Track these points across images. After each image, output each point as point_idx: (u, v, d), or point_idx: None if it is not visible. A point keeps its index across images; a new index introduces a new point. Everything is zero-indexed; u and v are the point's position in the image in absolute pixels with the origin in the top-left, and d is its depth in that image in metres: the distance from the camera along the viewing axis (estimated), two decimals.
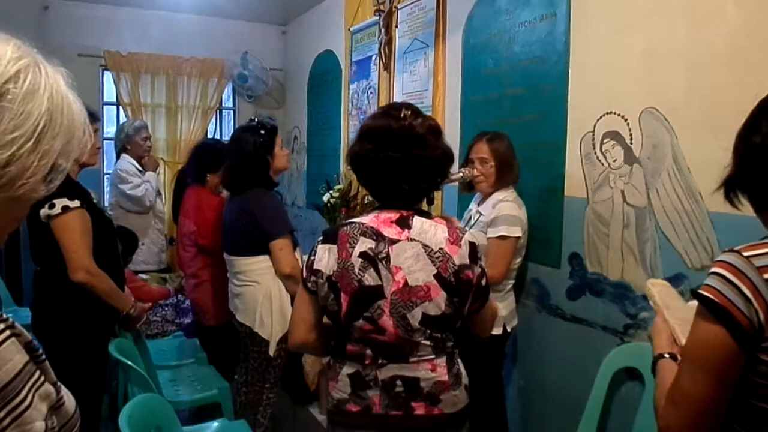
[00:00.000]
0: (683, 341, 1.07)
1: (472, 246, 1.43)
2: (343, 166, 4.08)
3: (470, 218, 2.41)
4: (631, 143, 2.06)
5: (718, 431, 0.98)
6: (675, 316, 1.18)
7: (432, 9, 3.17)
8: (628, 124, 2.06)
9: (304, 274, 1.48)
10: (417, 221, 1.42)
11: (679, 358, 1.08)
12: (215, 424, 2.34)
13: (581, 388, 2.12)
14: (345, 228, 1.44)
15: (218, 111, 5.44)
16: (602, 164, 2.17)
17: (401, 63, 3.49)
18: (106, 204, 4.16)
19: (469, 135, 2.53)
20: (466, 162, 2.40)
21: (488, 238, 2.24)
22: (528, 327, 2.50)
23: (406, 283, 1.38)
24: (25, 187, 0.65)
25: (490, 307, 1.57)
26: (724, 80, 1.73)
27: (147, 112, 4.91)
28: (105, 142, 4.91)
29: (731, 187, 1.01)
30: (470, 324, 1.52)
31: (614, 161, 2.13)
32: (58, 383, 0.70)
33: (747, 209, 1.03)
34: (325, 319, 1.51)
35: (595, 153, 2.20)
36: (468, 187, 2.45)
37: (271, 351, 2.47)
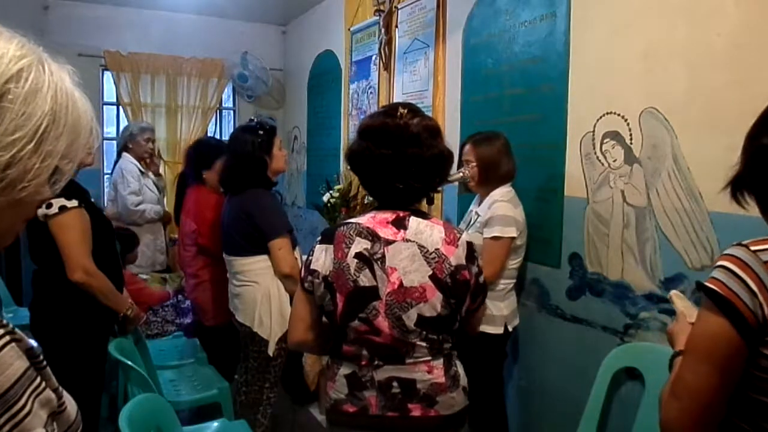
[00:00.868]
0: None
1: (470, 246, 1.43)
2: (343, 166, 4.08)
3: (470, 219, 2.41)
4: (631, 143, 2.06)
5: (718, 424, 0.98)
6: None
7: (432, 9, 3.17)
8: (628, 124, 2.06)
9: (302, 274, 1.49)
10: (413, 222, 1.42)
11: None
12: (215, 424, 2.34)
13: (581, 388, 2.12)
14: (342, 228, 1.44)
15: (218, 111, 5.44)
16: (602, 164, 2.17)
17: (401, 63, 3.49)
18: (106, 204, 4.16)
19: (468, 135, 2.53)
20: (461, 163, 2.41)
21: (483, 239, 2.25)
22: (528, 327, 2.50)
23: (401, 284, 1.38)
24: (27, 189, 0.63)
25: (485, 306, 1.58)
26: (724, 80, 1.73)
27: (147, 112, 4.91)
28: (105, 142, 4.92)
29: (738, 186, 1.01)
30: (468, 323, 1.52)
31: (614, 161, 2.13)
32: (60, 389, 0.69)
33: (749, 209, 1.03)
34: (324, 319, 1.52)
35: (595, 153, 2.20)
36: (467, 188, 2.46)
37: (271, 351, 2.47)
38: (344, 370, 1.46)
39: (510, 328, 2.32)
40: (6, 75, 0.60)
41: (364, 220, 1.45)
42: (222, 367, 2.88)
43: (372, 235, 1.41)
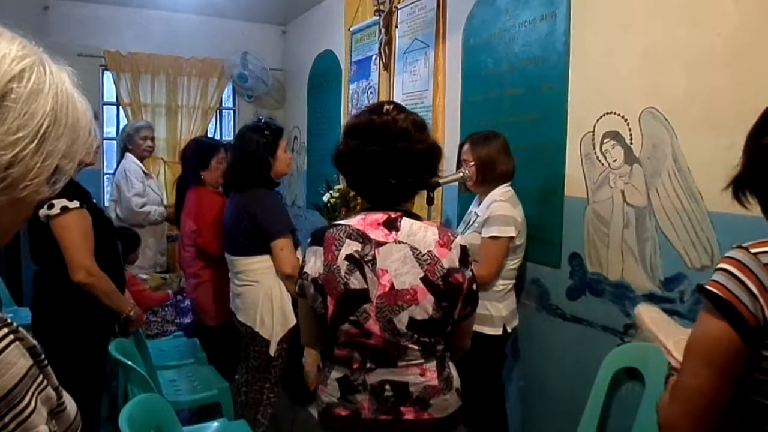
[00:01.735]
0: (679, 358, 1.07)
1: (464, 249, 1.41)
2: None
3: (470, 220, 2.41)
4: (631, 143, 2.06)
5: (718, 427, 0.98)
6: (668, 336, 1.18)
7: (432, 9, 3.17)
8: (628, 124, 2.06)
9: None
10: (406, 223, 1.41)
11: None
12: (215, 424, 2.34)
13: (581, 388, 2.11)
14: (331, 230, 1.43)
15: (218, 111, 5.44)
16: (602, 164, 2.17)
17: (401, 63, 3.49)
18: (106, 204, 4.15)
19: (468, 135, 2.53)
20: (460, 163, 2.42)
21: (481, 238, 2.25)
22: (528, 327, 2.50)
23: (392, 287, 1.36)
24: (29, 188, 0.63)
25: (474, 317, 1.55)
26: (724, 80, 1.73)
27: (147, 112, 4.91)
28: (105, 142, 4.92)
29: (740, 186, 1.02)
30: (454, 332, 1.48)
31: (614, 161, 2.13)
32: (60, 388, 0.69)
33: (750, 209, 1.04)
34: None
35: (595, 153, 2.20)
36: (467, 188, 2.46)
37: (272, 351, 2.47)
38: (336, 374, 1.44)
39: (509, 329, 2.32)
40: (9, 75, 0.61)
41: (354, 221, 1.43)
42: (222, 367, 2.88)
43: (362, 237, 1.39)
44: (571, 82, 2.29)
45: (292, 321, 2.46)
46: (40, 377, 0.65)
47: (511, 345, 2.53)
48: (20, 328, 0.65)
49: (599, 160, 2.18)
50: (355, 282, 1.37)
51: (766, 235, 1.00)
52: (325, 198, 3.70)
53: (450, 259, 1.38)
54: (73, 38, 4.56)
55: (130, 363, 1.99)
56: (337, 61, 4.38)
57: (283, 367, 2.57)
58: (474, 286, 1.45)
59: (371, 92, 3.84)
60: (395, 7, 3.49)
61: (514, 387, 2.63)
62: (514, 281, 2.36)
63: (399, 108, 1.46)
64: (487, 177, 2.32)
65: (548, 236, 2.40)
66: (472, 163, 2.33)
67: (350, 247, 1.39)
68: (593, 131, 2.20)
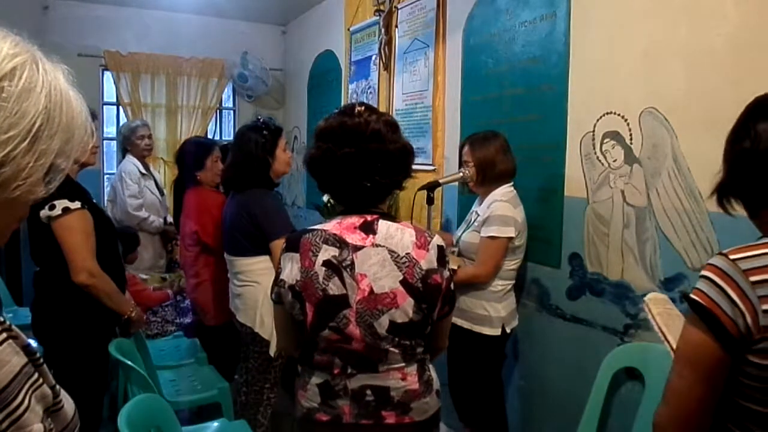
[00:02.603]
0: None
1: (440, 249, 1.40)
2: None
3: (471, 219, 2.41)
4: (631, 143, 2.06)
5: (706, 429, 1.00)
6: (676, 336, 1.18)
7: (432, 9, 3.17)
8: (628, 124, 2.06)
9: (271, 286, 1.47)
10: (383, 225, 1.39)
11: None
12: (215, 424, 2.34)
13: (581, 388, 2.11)
14: (307, 235, 1.40)
15: (218, 111, 5.45)
16: (602, 164, 2.17)
17: (401, 63, 3.49)
18: (104, 205, 4.15)
19: (468, 135, 2.53)
20: (461, 163, 2.42)
21: (480, 237, 2.25)
22: (528, 327, 2.50)
23: (371, 291, 1.35)
24: (21, 188, 0.62)
25: (452, 316, 1.54)
26: (724, 80, 1.73)
27: (147, 112, 4.91)
28: (105, 142, 4.93)
29: (723, 193, 1.03)
30: (433, 332, 1.48)
31: (614, 161, 2.13)
32: (57, 387, 0.69)
33: (733, 215, 1.04)
34: None
35: (595, 153, 2.20)
36: (469, 189, 2.46)
37: (272, 351, 2.47)
38: (316, 380, 1.43)
39: (508, 330, 2.31)
40: (0, 73, 0.60)
41: (330, 226, 1.41)
42: (222, 367, 2.87)
43: (339, 242, 1.37)
44: (571, 82, 2.29)
45: None
46: (35, 375, 0.64)
47: (511, 345, 2.53)
48: (14, 327, 0.65)
49: (599, 160, 2.18)
50: (334, 288, 1.36)
51: (760, 236, 1.00)
52: (325, 198, 3.70)
53: (428, 260, 1.37)
54: (73, 38, 4.56)
55: (130, 363, 1.99)
56: (337, 61, 4.38)
57: (283, 368, 2.57)
58: (452, 286, 1.44)
59: (371, 92, 3.84)
60: (395, 7, 3.49)
61: (514, 387, 2.63)
62: (513, 282, 2.36)
63: (370, 109, 1.45)
64: (486, 177, 2.32)
65: (548, 236, 2.40)
66: (472, 164, 2.33)
67: (327, 252, 1.37)
68: (593, 131, 2.20)
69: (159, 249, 4.03)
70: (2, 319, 0.64)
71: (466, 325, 2.27)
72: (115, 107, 4.99)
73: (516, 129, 2.52)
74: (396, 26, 3.52)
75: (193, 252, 3.01)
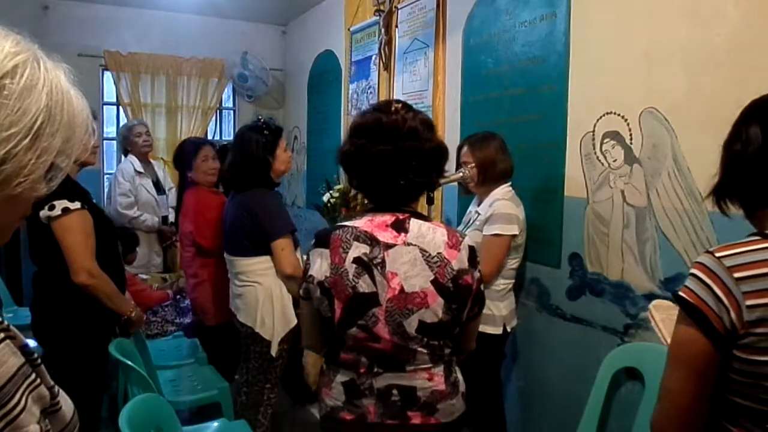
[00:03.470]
0: None
1: (472, 250, 1.39)
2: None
3: (470, 220, 2.41)
4: (631, 143, 2.06)
5: (700, 425, 1.01)
6: None
7: (432, 9, 3.17)
8: (628, 124, 2.06)
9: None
10: (414, 224, 1.38)
11: None
12: (215, 424, 2.34)
13: (581, 388, 2.11)
14: (337, 232, 1.39)
15: (218, 111, 5.44)
16: (602, 164, 2.17)
17: (401, 63, 3.49)
18: (105, 204, 4.15)
19: (466, 136, 2.53)
20: (459, 164, 2.42)
21: (483, 236, 2.25)
22: (528, 327, 2.50)
23: (402, 290, 1.34)
24: (22, 185, 0.63)
25: (480, 318, 1.53)
26: (724, 80, 1.73)
27: (147, 112, 4.91)
28: (105, 142, 4.93)
29: (720, 195, 1.05)
30: (461, 334, 1.47)
31: (614, 161, 2.13)
32: (56, 388, 0.69)
33: (730, 217, 1.05)
34: None
35: (595, 153, 2.20)
36: (467, 189, 2.46)
37: (273, 351, 2.47)
38: (341, 378, 1.42)
39: (508, 329, 2.32)
40: (1, 71, 0.61)
41: (361, 223, 1.39)
42: (222, 367, 2.87)
43: (371, 239, 1.36)
44: (571, 82, 2.29)
45: (293, 321, 2.46)
46: (32, 376, 0.64)
47: (511, 345, 2.53)
48: (12, 327, 0.65)
49: (599, 160, 2.18)
50: (364, 285, 1.34)
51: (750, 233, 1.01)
52: (325, 198, 3.71)
53: (459, 260, 1.36)
54: (73, 38, 4.56)
55: (130, 363, 1.98)
56: (337, 61, 4.38)
57: (283, 368, 2.57)
58: (481, 287, 1.43)
59: (371, 92, 3.84)
60: (395, 7, 3.49)
61: (513, 387, 2.63)
62: (513, 281, 2.36)
63: (407, 107, 1.43)
64: (487, 177, 2.32)
65: (548, 236, 2.40)
66: (473, 165, 2.33)
67: (358, 249, 1.35)
68: (593, 131, 2.20)
69: (155, 248, 4.03)
70: (0, 319, 0.64)
71: None
72: (115, 107, 4.99)
73: (516, 129, 2.52)
74: (396, 26, 3.52)
75: (190, 252, 3.02)
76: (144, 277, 3.58)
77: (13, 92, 0.61)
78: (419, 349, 1.36)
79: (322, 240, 1.41)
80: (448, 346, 1.42)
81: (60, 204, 2.01)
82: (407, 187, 1.40)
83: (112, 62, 4.80)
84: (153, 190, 4.05)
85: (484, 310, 2.25)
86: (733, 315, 0.93)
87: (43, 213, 2.01)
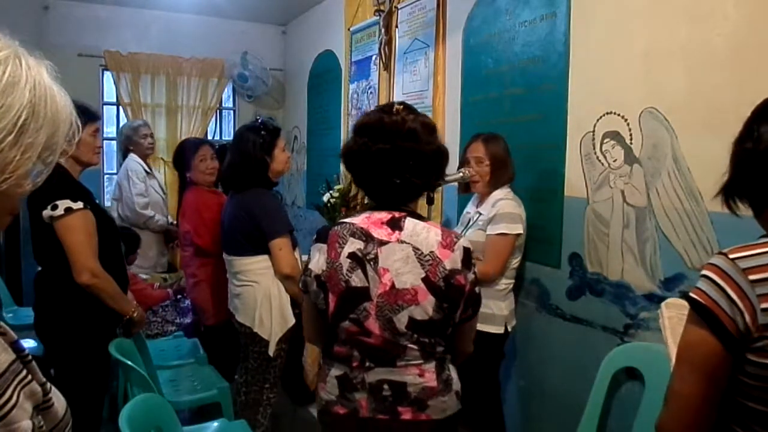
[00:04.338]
0: None
1: (467, 251, 1.41)
2: (343, 165, 4.07)
3: (469, 220, 2.41)
4: (631, 143, 2.06)
5: (709, 430, 0.99)
6: (677, 339, 1.18)
7: (432, 9, 3.17)
8: (628, 124, 2.06)
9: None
10: (409, 223, 1.41)
11: None
12: (215, 424, 2.33)
13: (581, 388, 2.11)
14: (336, 228, 1.44)
15: (218, 111, 5.45)
16: (602, 164, 2.17)
17: (401, 63, 3.49)
18: (107, 204, 4.14)
19: (468, 135, 2.53)
20: (463, 162, 2.41)
21: (487, 235, 2.25)
22: (528, 327, 2.50)
23: (392, 286, 1.36)
24: (8, 182, 0.63)
25: (476, 320, 1.54)
26: (724, 80, 1.74)
27: (147, 112, 4.91)
28: (105, 142, 4.92)
29: (729, 193, 1.04)
30: (456, 334, 1.48)
31: (614, 161, 2.13)
32: (48, 385, 0.69)
33: (740, 216, 1.05)
34: None
35: (595, 153, 2.20)
36: (466, 188, 2.46)
37: (271, 351, 2.47)
38: (335, 372, 1.45)
39: (509, 329, 2.33)
40: None
41: (359, 220, 1.43)
42: (222, 367, 2.87)
43: (366, 236, 1.40)
44: (571, 82, 2.29)
45: (291, 321, 2.46)
46: (24, 372, 0.64)
47: (510, 345, 2.53)
48: (2, 324, 0.65)
49: (599, 160, 2.18)
50: (357, 280, 1.38)
51: (762, 235, 1.00)
52: (325, 198, 3.71)
53: (452, 260, 1.38)
54: (73, 38, 4.57)
55: (130, 363, 1.98)
56: (337, 61, 4.38)
57: (282, 367, 2.57)
58: (476, 289, 1.44)
59: (371, 92, 3.85)
60: (395, 7, 3.49)
61: (513, 387, 2.63)
62: (514, 281, 2.37)
63: (409, 109, 1.47)
64: (498, 177, 2.32)
65: (548, 236, 2.40)
66: (488, 162, 2.32)
67: (353, 245, 1.39)
68: (593, 131, 2.20)
69: (162, 248, 4.04)
70: None
71: None
72: (115, 107, 4.99)
73: (516, 129, 2.52)
74: (396, 26, 3.52)
75: (189, 252, 3.02)
76: (144, 276, 3.58)
77: None
78: (409, 345, 1.39)
79: (323, 236, 1.45)
80: (440, 344, 1.43)
81: (63, 204, 2.01)
82: (404, 186, 1.42)
83: (112, 62, 4.80)
84: (160, 191, 4.06)
85: (486, 310, 2.27)
86: (747, 318, 0.91)
87: (46, 213, 2.01)
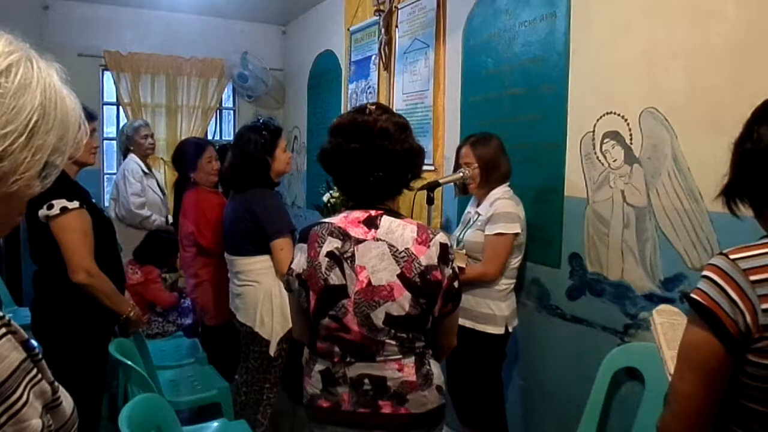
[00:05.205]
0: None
1: (443, 247, 1.43)
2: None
3: (469, 220, 2.41)
4: (631, 143, 2.06)
5: (710, 430, 1.00)
6: (672, 347, 1.18)
7: (432, 9, 3.17)
8: (628, 124, 2.06)
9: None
10: (385, 221, 1.44)
11: None
12: (215, 424, 2.34)
13: (581, 388, 2.12)
14: (316, 228, 1.48)
15: (218, 111, 5.45)
16: (602, 164, 2.17)
17: (401, 63, 3.49)
18: (106, 204, 4.14)
19: (465, 137, 2.53)
20: (458, 165, 2.42)
21: (485, 235, 2.25)
22: (528, 327, 2.50)
23: (369, 283, 1.40)
24: (18, 182, 0.64)
25: (458, 314, 1.57)
26: (724, 80, 1.74)
27: (147, 112, 4.91)
28: (105, 142, 4.92)
29: (730, 194, 1.04)
30: (437, 329, 1.51)
31: (614, 161, 2.13)
32: (56, 384, 0.69)
33: (740, 217, 1.05)
34: None
35: (595, 153, 2.20)
36: (463, 190, 2.46)
37: (272, 351, 2.47)
38: (319, 366, 1.49)
39: (510, 329, 2.32)
40: None
41: (337, 219, 1.48)
42: (222, 367, 2.88)
43: (343, 234, 1.43)
44: (571, 82, 2.29)
45: None
46: (34, 371, 0.65)
47: (511, 345, 2.53)
48: (13, 322, 0.65)
49: (599, 160, 2.18)
50: (335, 278, 1.41)
51: (764, 235, 1.00)
52: (325, 198, 3.71)
53: (428, 256, 1.40)
54: (73, 38, 4.56)
55: (130, 363, 1.99)
56: (337, 61, 4.38)
57: (282, 367, 2.57)
58: (456, 284, 1.46)
59: (371, 92, 3.84)
60: (395, 7, 3.49)
61: (514, 387, 2.63)
62: (515, 281, 2.36)
63: (382, 108, 1.51)
64: (490, 177, 2.32)
65: (548, 236, 2.40)
66: (475, 165, 2.33)
67: (331, 244, 1.43)
68: (593, 131, 2.20)
69: None
70: (2, 314, 0.64)
71: (468, 324, 2.27)
72: (115, 107, 4.99)
73: (516, 129, 2.52)
74: (396, 26, 3.52)
75: (191, 253, 3.02)
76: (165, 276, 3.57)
77: (8, 91, 0.62)
78: (387, 340, 1.42)
79: (304, 236, 1.49)
80: (419, 339, 1.46)
81: (58, 203, 2.02)
82: (378, 184, 1.46)
83: (112, 62, 4.80)
84: (158, 190, 4.06)
85: (486, 310, 2.28)
86: (748, 318, 0.91)
87: (42, 212, 2.02)
